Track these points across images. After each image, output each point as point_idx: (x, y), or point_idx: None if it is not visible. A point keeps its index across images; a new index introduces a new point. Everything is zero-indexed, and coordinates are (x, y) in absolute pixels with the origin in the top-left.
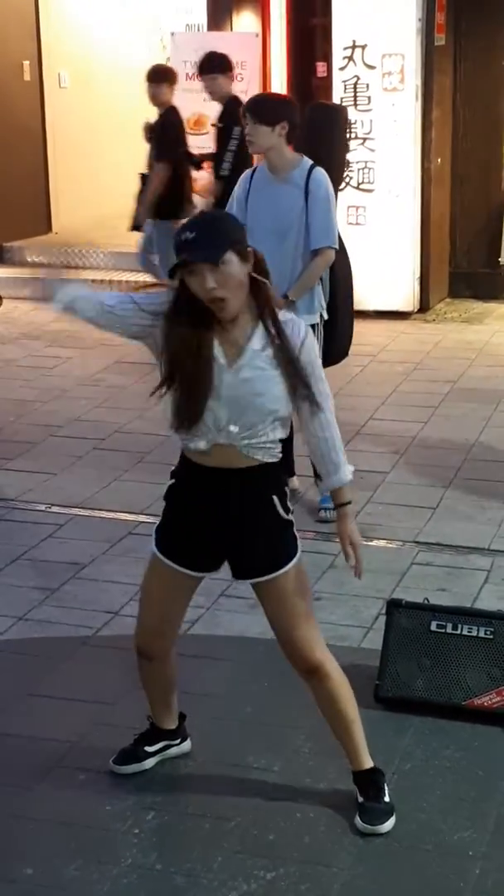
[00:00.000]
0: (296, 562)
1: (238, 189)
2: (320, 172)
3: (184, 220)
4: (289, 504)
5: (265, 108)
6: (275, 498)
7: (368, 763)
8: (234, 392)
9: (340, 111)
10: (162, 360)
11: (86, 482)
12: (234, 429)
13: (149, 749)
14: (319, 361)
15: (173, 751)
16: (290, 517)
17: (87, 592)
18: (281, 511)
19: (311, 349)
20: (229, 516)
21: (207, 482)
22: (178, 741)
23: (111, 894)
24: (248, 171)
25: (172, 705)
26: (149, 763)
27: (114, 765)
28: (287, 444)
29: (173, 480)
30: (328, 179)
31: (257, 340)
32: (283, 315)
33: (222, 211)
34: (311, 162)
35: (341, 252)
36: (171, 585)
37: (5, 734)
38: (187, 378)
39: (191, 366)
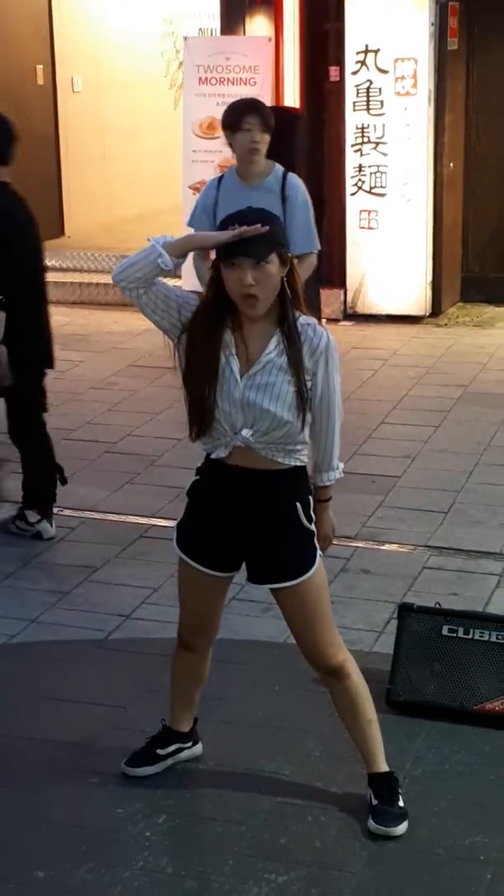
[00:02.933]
0: (314, 570)
1: (204, 197)
2: (296, 178)
3: None
4: (311, 513)
5: (269, 115)
6: (298, 505)
7: (384, 766)
8: (248, 397)
9: (300, 117)
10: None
11: (98, 485)
12: (246, 433)
13: (161, 752)
14: (338, 374)
15: (185, 754)
16: (312, 527)
17: (99, 595)
18: (303, 519)
19: (331, 358)
20: (250, 518)
21: (230, 482)
22: (189, 744)
23: None
24: (213, 179)
25: (193, 705)
26: (161, 766)
27: (126, 767)
28: None
29: (197, 477)
30: (303, 184)
31: (273, 347)
32: (305, 320)
33: (269, 211)
34: (282, 168)
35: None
36: (199, 584)
37: (17, 737)
38: (201, 382)
39: (205, 371)
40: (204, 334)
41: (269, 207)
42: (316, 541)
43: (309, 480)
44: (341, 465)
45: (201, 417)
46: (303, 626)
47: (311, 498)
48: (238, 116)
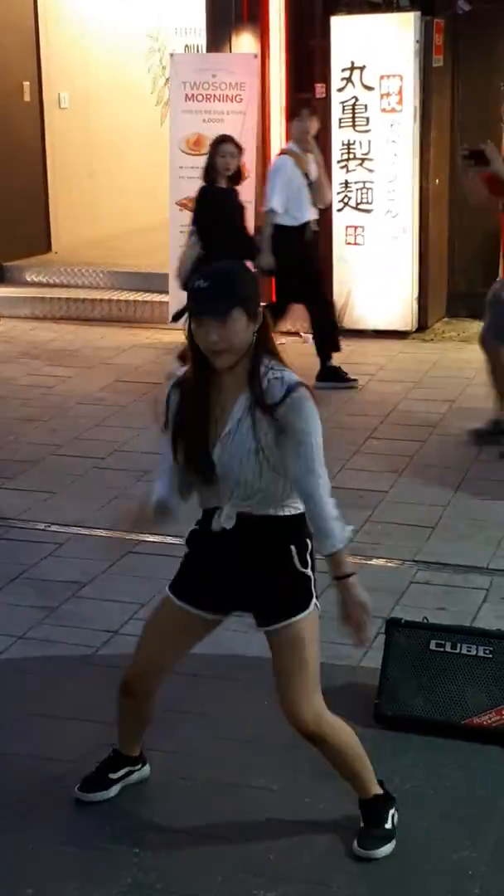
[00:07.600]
0: (302, 617)
1: None
2: None
3: None
4: (308, 558)
5: None
6: (293, 548)
7: (369, 793)
8: (221, 466)
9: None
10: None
11: (85, 501)
12: (227, 509)
13: (113, 776)
14: (313, 433)
15: (135, 776)
16: (309, 572)
17: (87, 611)
18: (297, 563)
19: (298, 417)
20: (243, 562)
21: (224, 530)
22: (139, 766)
23: None
24: None
25: (141, 738)
26: (114, 790)
27: (79, 793)
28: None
29: (196, 527)
30: None
31: (240, 407)
32: (276, 374)
33: (240, 263)
34: None
35: None
36: (176, 626)
37: (5, 754)
38: (190, 451)
39: (189, 444)
40: (184, 415)
41: None
42: (346, 625)
43: (307, 529)
44: (347, 529)
45: (189, 483)
46: (280, 673)
47: (310, 542)
48: None
